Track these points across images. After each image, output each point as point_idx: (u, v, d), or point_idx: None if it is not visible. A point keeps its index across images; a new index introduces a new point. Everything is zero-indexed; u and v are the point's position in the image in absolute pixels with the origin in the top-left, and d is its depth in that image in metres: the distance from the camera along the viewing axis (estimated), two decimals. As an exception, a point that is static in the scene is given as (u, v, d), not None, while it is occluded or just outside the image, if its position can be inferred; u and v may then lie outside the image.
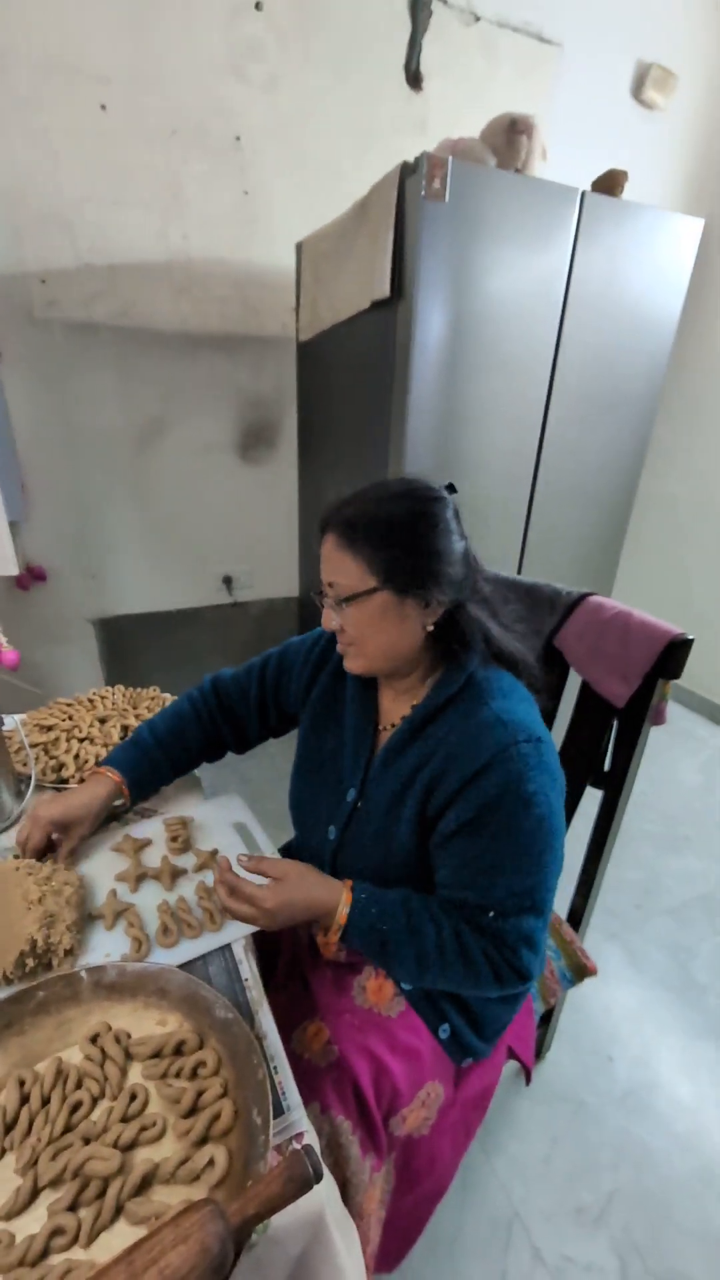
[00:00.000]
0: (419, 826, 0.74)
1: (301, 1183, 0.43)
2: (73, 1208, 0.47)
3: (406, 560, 0.68)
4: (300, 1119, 0.54)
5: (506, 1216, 1.03)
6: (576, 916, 1.07)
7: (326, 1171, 0.55)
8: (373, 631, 0.72)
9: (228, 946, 0.69)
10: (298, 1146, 0.44)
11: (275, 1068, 0.57)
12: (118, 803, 0.86)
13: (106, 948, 0.68)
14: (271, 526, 2.25)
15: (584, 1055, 1.29)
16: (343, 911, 0.68)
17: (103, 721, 1.08)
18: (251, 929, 0.71)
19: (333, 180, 1.83)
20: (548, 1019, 1.21)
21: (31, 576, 1.99)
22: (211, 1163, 0.49)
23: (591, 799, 0.99)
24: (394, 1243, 0.80)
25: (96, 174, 1.66)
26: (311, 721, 0.89)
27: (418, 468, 1.46)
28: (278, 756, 1.25)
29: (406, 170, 1.23)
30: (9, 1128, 0.52)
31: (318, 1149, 0.65)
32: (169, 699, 1.17)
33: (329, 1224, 0.50)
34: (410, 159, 1.22)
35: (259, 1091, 0.51)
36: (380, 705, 0.84)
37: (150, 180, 1.71)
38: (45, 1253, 0.45)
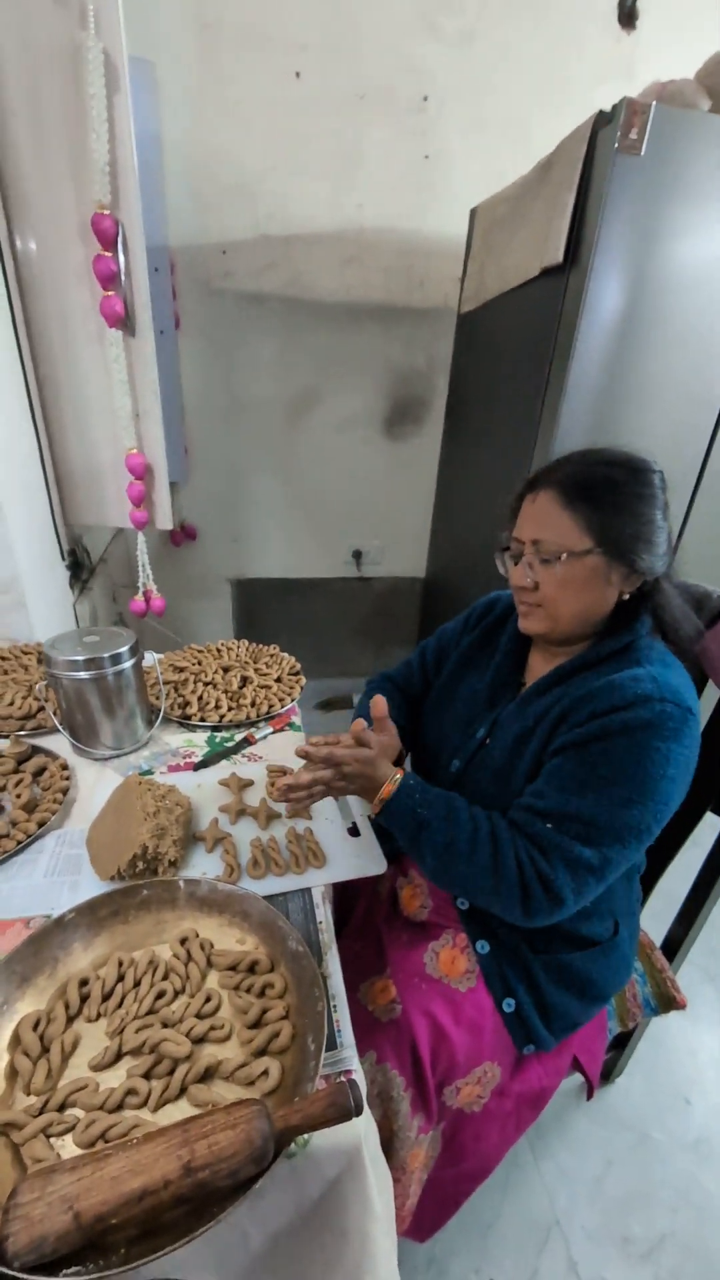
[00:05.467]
0: (540, 762, 0.73)
1: (342, 1110, 0.46)
2: (146, 1076, 0.54)
3: (624, 524, 0.67)
4: (351, 1058, 0.57)
5: (546, 1221, 1.02)
6: (673, 946, 0.99)
7: (368, 1115, 0.58)
8: (572, 593, 0.71)
9: (308, 890, 0.74)
10: (344, 1080, 0.47)
11: (335, 1006, 0.61)
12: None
13: (203, 867, 0.76)
14: (407, 505, 2.26)
15: (658, 1091, 1.21)
16: (388, 787, 0.70)
17: (226, 670, 1.17)
18: (330, 880, 0.75)
19: (519, 140, 1.74)
20: (624, 1042, 1.15)
21: (184, 534, 2.17)
22: (266, 1073, 0.53)
23: (709, 827, 0.91)
24: (430, 1212, 0.82)
25: (282, 144, 1.72)
26: (457, 663, 0.91)
27: (570, 450, 1.37)
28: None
29: (600, 121, 1.13)
30: (106, 997, 0.60)
31: (366, 1095, 0.68)
32: (288, 657, 1.23)
33: (365, 1160, 0.53)
34: (607, 108, 1.12)
35: (317, 1022, 0.54)
36: (529, 663, 0.84)
37: (332, 148, 1.74)
38: (120, 1106, 0.52)
